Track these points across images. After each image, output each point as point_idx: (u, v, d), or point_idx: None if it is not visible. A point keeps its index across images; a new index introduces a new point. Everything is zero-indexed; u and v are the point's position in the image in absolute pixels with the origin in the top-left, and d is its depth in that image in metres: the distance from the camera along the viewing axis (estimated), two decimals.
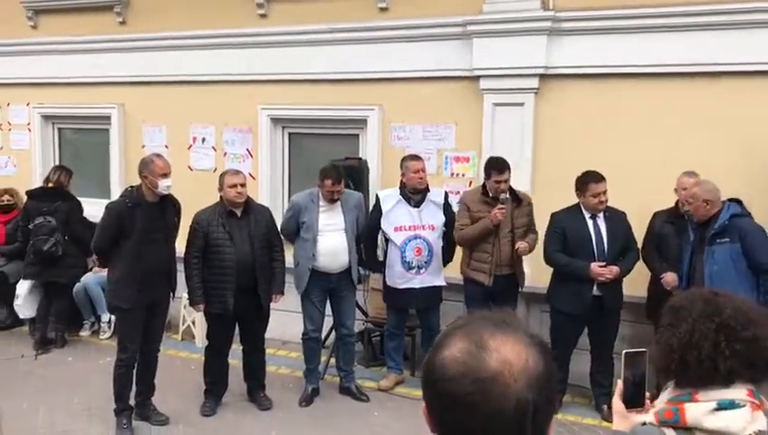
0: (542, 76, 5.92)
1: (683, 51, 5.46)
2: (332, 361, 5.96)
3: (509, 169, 5.31)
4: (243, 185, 5.19)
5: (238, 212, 5.19)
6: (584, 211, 5.15)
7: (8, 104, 8.36)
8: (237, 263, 5.09)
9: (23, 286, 6.93)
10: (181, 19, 7.19)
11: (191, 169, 7.28)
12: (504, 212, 5.22)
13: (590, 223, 5.15)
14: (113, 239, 4.84)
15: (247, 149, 7.14)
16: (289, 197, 6.70)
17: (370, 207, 6.09)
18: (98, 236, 4.96)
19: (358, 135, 6.78)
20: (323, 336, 6.04)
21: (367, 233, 5.68)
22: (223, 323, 5.28)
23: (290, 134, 7.13)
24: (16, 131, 8.37)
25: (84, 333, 7.16)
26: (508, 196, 5.28)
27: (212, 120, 7.25)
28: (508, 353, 1.05)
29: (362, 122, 6.65)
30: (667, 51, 5.52)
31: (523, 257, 5.47)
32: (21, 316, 7.02)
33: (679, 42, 5.48)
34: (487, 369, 1.03)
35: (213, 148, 7.30)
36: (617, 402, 1.80)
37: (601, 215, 5.16)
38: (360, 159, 6.44)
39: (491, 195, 5.33)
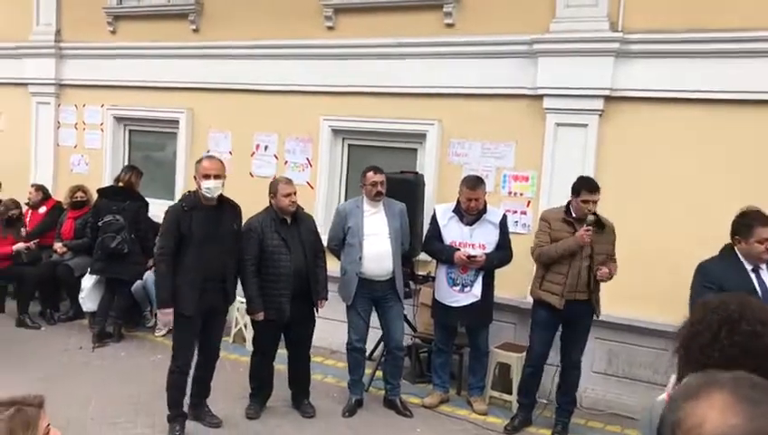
0: (607, 98, 5.80)
1: (762, 77, 5.25)
2: (379, 373, 5.94)
3: (599, 190, 5.11)
4: (295, 193, 5.25)
5: (288, 219, 5.24)
6: (744, 262, 4.22)
7: (84, 105, 8.72)
8: (294, 270, 5.11)
9: (88, 281, 7.18)
10: (251, 29, 7.37)
11: (252, 176, 7.41)
12: (590, 234, 4.98)
13: (753, 277, 4.20)
14: (175, 243, 4.82)
15: (307, 159, 7.24)
16: None
17: (425, 223, 6.08)
18: (160, 240, 4.99)
19: (416, 149, 6.78)
20: (372, 348, 6.04)
21: (426, 244, 5.69)
22: (271, 328, 5.27)
23: (349, 145, 7.19)
24: (90, 131, 8.71)
25: (142, 328, 7.36)
26: (594, 218, 5.06)
27: (275, 129, 7.38)
28: None
29: (421, 137, 6.64)
30: (745, 77, 5.30)
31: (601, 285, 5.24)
32: (84, 309, 7.26)
33: (758, 68, 5.27)
34: None
35: (275, 156, 7.42)
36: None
37: (765, 266, 4.23)
38: (417, 173, 6.43)
39: (574, 215, 5.13)
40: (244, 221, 5.22)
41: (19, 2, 9.00)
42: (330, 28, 7.01)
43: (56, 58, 8.76)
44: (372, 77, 6.74)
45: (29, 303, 7.48)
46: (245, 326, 6.91)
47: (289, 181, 5.33)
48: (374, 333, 5.81)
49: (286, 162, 7.36)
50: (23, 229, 7.74)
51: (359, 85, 6.83)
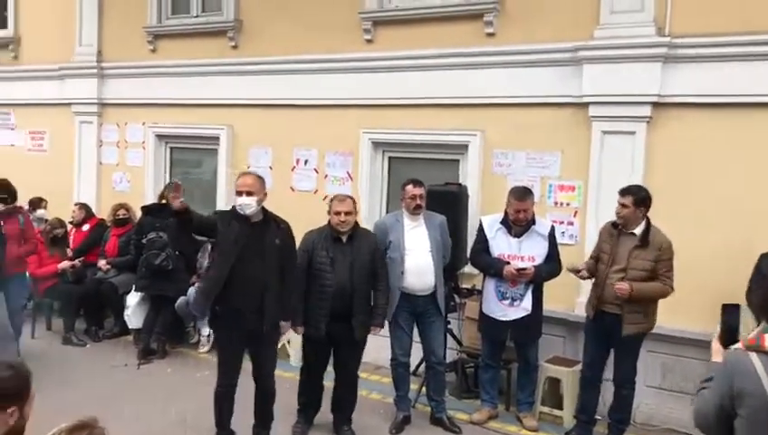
0: (655, 104, 5.66)
1: None
2: (425, 389, 5.84)
3: (629, 194, 4.95)
4: (348, 213, 5.03)
5: (343, 238, 5.08)
6: None
7: (125, 123, 8.83)
8: (335, 289, 4.96)
9: (133, 298, 7.23)
10: (289, 44, 7.40)
11: (293, 190, 7.40)
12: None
13: None
14: (214, 227, 4.71)
15: (347, 172, 7.20)
16: None
17: (469, 235, 6.00)
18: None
19: (458, 160, 6.70)
20: (416, 364, 5.95)
21: (473, 258, 5.59)
22: (318, 346, 5.17)
23: (390, 158, 7.14)
24: (132, 149, 8.81)
25: (186, 344, 7.38)
26: (620, 221, 4.98)
27: (315, 143, 7.37)
28: None
29: (463, 148, 6.57)
30: None
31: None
32: (129, 326, 7.31)
33: None
34: None
35: (315, 170, 7.40)
36: (715, 343, 2.66)
37: None
38: (460, 184, 6.35)
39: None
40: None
41: (62, 24, 9.17)
42: (368, 41, 6.99)
43: (98, 78, 8.89)
44: (412, 89, 6.70)
45: (75, 320, 7.55)
46: (288, 342, 6.88)
47: (343, 200, 5.14)
48: (419, 348, 5.71)
49: (326, 176, 7.34)
50: (67, 248, 7.84)
51: (399, 97, 6.78)
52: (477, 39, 6.43)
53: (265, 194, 4.84)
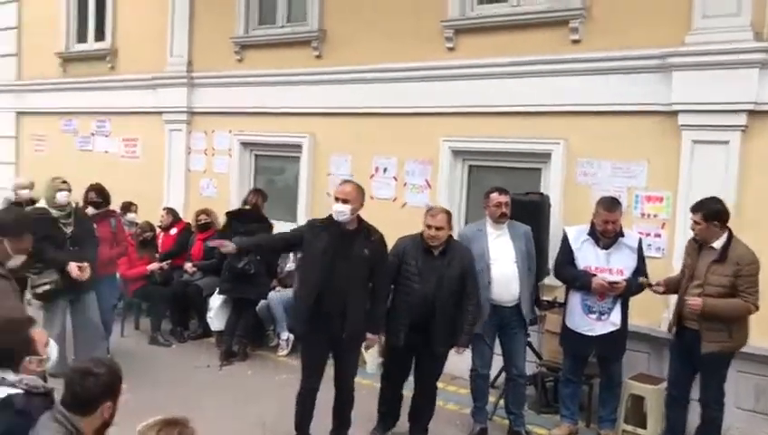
0: (750, 112, 5.39)
1: None
2: (502, 401, 5.74)
3: (699, 210, 4.76)
4: (439, 229, 4.90)
5: (435, 251, 4.97)
6: None
7: (213, 131, 9.12)
8: (419, 301, 4.88)
9: (216, 300, 7.44)
10: (371, 53, 7.46)
11: (372, 198, 7.43)
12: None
13: None
14: (288, 243, 5.01)
15: (426, 180, 7.19)
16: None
17: (550, 246, 5.87)
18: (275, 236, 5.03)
19: (540, 169, 6.57)
20: (495, 375, 5.86)
21: (558, 269, 5.44)
22: (399, 355, 5.13)
23: (470, 166, 7.08)
24: (218, 156, 9.09)
25: (266, 348, 7.52)
26: (697, 238, 4.82)
27: (394, 151, 7.39)
28: None
29: (546, 157, 6.44)
30: None
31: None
32: (212, 328, 7.52)
33: None
34: None
35: (394, 178, 7.43)
36: None
37: None
38: (542, 194, 6.22)
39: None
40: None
41: (155, 36, 9.56)
42: (450, 49, 6.97)
43: (188, 87, 9.22)
44: (494, 97, 6.63)
45: (161, 321, 7.83)
46: (365, 348, 6.89)
47: (437, 213, 4.99)
48: (497, 359, 5.62)
49: (405, 184, 7.35)
50: (156, 251, 8.14)
51: (480, 105, 6.73)
52: (562, 46, 6.31)
53: (362, 203, 4.86)
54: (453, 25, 6.93)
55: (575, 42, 6.25)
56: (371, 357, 6.78)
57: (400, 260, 4.97)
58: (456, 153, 7.03)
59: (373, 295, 4.92)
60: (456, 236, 5.48)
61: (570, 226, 5.56)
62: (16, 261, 3.66)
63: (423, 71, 7.10)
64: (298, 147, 8.19)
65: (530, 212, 5.80)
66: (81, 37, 10.87)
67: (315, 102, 7.95)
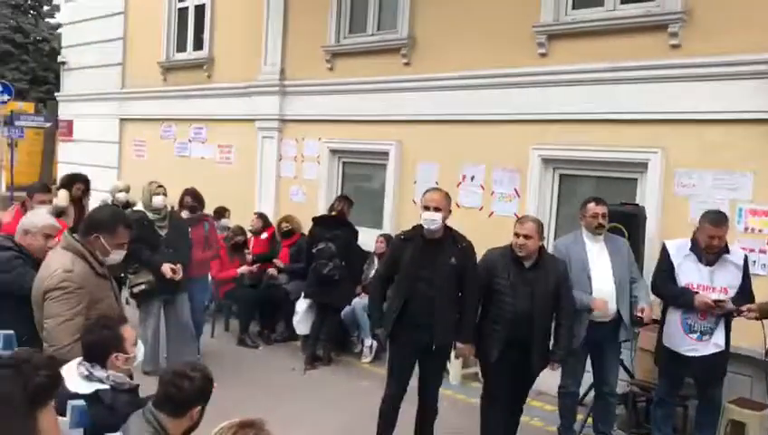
0: None
1: None
2: (590, 420, 5.52)
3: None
4: (527, 237, 4.67)
5: (527, 263, 4.75)
6: None
7: (303, 138, 9.27)
8: (514, 317, 4.64)
9: (301, 304, 7.54)
10: (461, 60, 7.39)
11: (458, 206, 7.34)
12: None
13: None
14: (387, 269, 4.92)
15: (515, 189, 7.04)
16: (554, 240, 6.46)
17: (645, 260, 5.61)
18: (379, 265, 5.01)
19: (635, 180, 6.30)
20: (583, 392, 5.64)
21: (657, 285, 5.12)
22: (494, 372, 4.87)
23: (561, 175, 6.88)
24: (308, 163, 9.23)
25: (350, 354, 7.56)
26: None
27: (482, 159, 7.28)
28: None
29: (642, 166, 6.17)
30: None
31: None
32: (297, 332, 7.62)
33: None
34: None
35: (481, 186, 7.31)
36: None
37: None
38: (638, 205, 5.96)
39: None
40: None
41: (250, 46, 9.83)
42: (542, 55, 6.81)
43: (280, 95, 9.42)
44: (587, 104, 6.42)
45: (249, 323, 8.00)
46: (455, 357, 6.77)
47: (525, 221, 4.82)
48: (586, 377, 5.41)
49: (493, 193, 7.22)
50: (248, 255, 8.34)
51: (572, 113, 6.53)
52: (660, 51, 6.04)
53: (450, 211, 4.81)
54: (546, 30, 6.77)
55: (674, 46, 5.96)
56: (455, 369, 6.68)
57: (490, 274, 4.77)
58: (547, 162, 6.85)
59: (462, 304, 4.81)
60: (549, 249, 5.32)
61: (669, 239, 5.27)
62: (116, 256, 3.71)
63: (513, 77, 6.96)
64: (385, 154, 8.21)
65: (624, 224, 5.57)
66: (181, 47, 11.32)
67: (403, 110, 7.95)
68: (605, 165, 6.46)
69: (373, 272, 7.49)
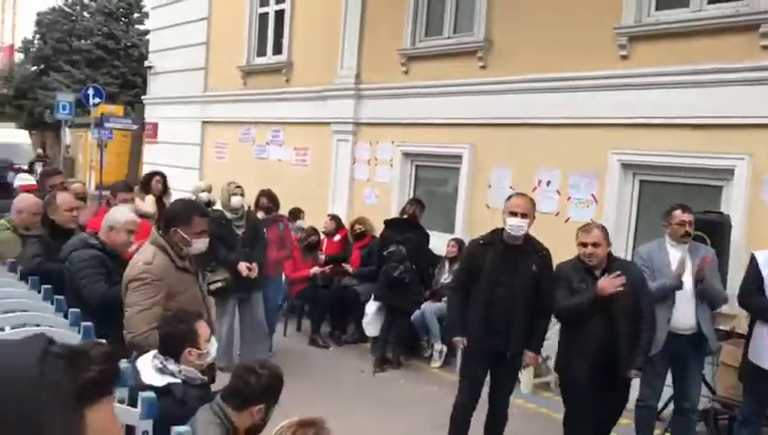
0: None
1: None
2: None
3: None
4: (595, 245, 4.45)
5: (597, 272, 4.51)
6: None
7: (377, 141, 9.31)
8: (597, 332, 4.42)
9: (371, 307, 7.56)
10: (538, 62, 7.26)
11: None
12: None
13: None
14: (467, 276, 4.77)
15: (592, 195, 6.85)
16: (633, 249, 6.25)
17: (729, 270, 5.35)
18: (454, 273, 4.91)
19: (721, 187, 6.03)
20: (661, 407, 5.42)
21: (745, 297, 4.83)
22: (578, 391, 4.56)
23: (641, 181, 6.65)
24: (381, 166, 9.27)
25: (419, 358, 7.53)
26: None
27: (558, 163, 7.13)
28: None
29: (728, 173, 5.89)
30: None
31: None
32: (367, 334, 7.65)
33: None
34: None
35: (557, 191, 7.16)
36: None
37: None
38: (722, 213, 5.70)
39: None
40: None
41: (327, 50, 9.97)
42: (623, 57, 6.61)
43: (355, 99, 9.51)
44: (671, 108, 6.18)
45: (321, 323, 8.09)
46: (523, 367, 6.65)
47: (590, 229, 4.58)
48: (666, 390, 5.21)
49: (569, 198, 7.05)
50: (320, 255, 8.44)
51: (655, 117, 6.31)
52: (749, 53, 5.76)
53: (534, 217, 4.67)
54: (627, 32, 6.57)
55: (765, 48, 5.67)
56: (526, 377, 6.55)
57: (569, 286, 4.54)
58: (627, 167, 6.64)
59: (536, 313, 4.68)
60: (630, 257, 5.15)
61: (756, 250, 5.01)
62: (199, 245, 3.83)
63: (592, 80, 6.79)
64: (458, 158, 8.14)
65: (708, 233, 5.34)
66: (261, 51, 11.59)
67: (478, 113, 7.87)
68: (689, 171, 6.21)
69: (444, 276, 7.47)
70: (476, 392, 4.81)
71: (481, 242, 4.77)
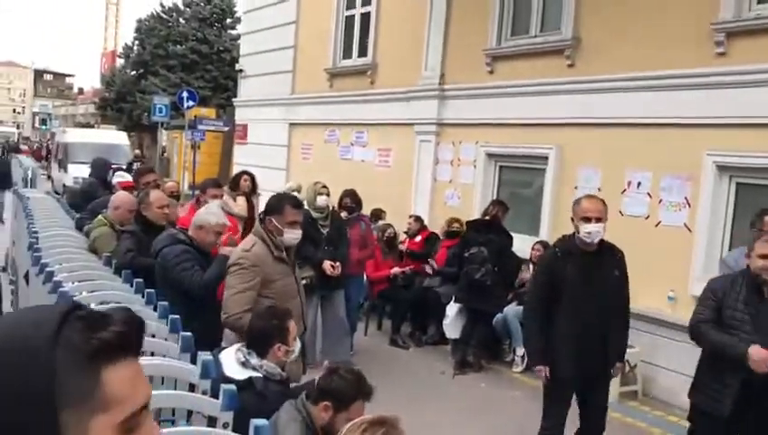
0: None
1: None
2: None
3: None
4: None
5: (766, 290, 3.84)
6: None
7: (460, 142, 9.25)
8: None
9: (452, 308, 7.51)
10: (629, 60, 7.02)
11: (621, 215, 6.98)
12: None
13: None
14: (547, 294, 4.29)
15: (685, 198, 6.56)
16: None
17: None
18: (530, 289, 4.56)
19: None
20: None
21: None
22: (713, 427, 3.98)
23: (738, 184, 6.32)
24: (464, 167, 9.20)
25: (501, 362, 7.42)
26: None
27: (650, 165, 6.86)
28: None
29: None
30: None
31: None
32: (447, 335, 7.60)
33: None
34: None
35: (648, 194, 6.89)
36: None
37: None
38: None
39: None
40: None
41: (412, 51, 9.98)
42: (720, 54, 6.29)
43: (438, 99, 9.48)
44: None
45: (401, 323, 8.10)
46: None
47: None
48: None
49: (661, 201, 6.78)
50: (400, 245, 8.45)
51: (754, 116, 5.97)
52: None
53: (606, 220, 4.30)
54: (725, 28, 6.25)
55: None
56: (612, 386, 6.31)
57: (719, 304, 3.92)
58: (723, 169, 6.32)
59: (620, 319, 4.40)
60: (718, 263, 4.86)
61: None
62: (291, 235, 4.12)
63: (686, 78, 6.50)
64: (544, 158, 7.98)
65: None
66: (347, 54, 11.73)
67: (564, 113, 7.68)
68: None
69: (528, 278, 7.32)
70: (565, 414, 4.41)
71: (558, 253, 4.35)
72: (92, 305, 3.67)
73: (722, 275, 4.31)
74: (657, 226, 6.77)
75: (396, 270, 8.15)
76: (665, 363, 6.54)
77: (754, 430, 3.90)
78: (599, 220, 4.15)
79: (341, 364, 2.91)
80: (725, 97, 6.20)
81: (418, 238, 8.71)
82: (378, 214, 9.10)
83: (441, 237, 8.53)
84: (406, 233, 8.86)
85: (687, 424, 4.83)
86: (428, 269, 8.25)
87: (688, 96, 6.49)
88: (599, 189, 7.17)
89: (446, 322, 7.51)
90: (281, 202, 4.20)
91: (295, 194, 8.79)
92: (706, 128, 6.35)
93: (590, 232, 4.12)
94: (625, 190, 7.08)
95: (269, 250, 4.03)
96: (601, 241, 4.24)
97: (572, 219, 4.27)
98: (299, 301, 4.26)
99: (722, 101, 6.21)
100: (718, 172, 6.32)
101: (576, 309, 4.18)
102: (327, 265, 6.34)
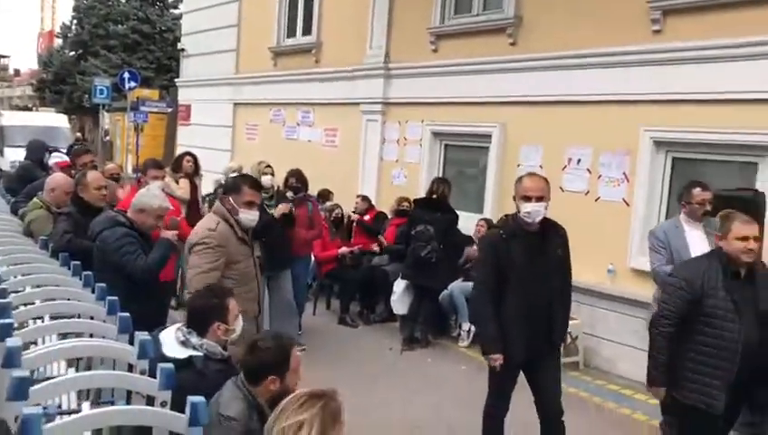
0: None
1: None
2: None
3: None
4: (757, 239, 3.72)
5: (742, 272, 3.74)
6: None
7: (406, 121, 9.27)
8: (741, 346, 3.61)
9: (399, 285, 7.57)
10: (568, 39, 7.13)
11: (562, 191, 7.12)
12: None
13: None
14: (495, 277, 4.08)
15: (624, 173, 6.73)
16: None
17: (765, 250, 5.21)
18: (477, 273, 4.42)
19: (756, 164, 5.87)
20: None
21: None
22: (709, 423, 3.80)
23: (674, 159, 6.51)
24: (410, 146, 9.23)
25: (447, 337, 7.53)
26: None
27: (589, 141, 7.01)
28: None
29: (764, 150, 5.74)
30: None
31: None
32: (395, 311, 7.65)
33: None
34: None
35: (587, 170, 7.05)
36: None
37: None
38: (756, 191, 5.54)
39: None
40: None
41: (356, 30, 9.93)
42: (656, 32, 6.45)
43: (384, 78, 9.46)
44: (704, 83, 6.02)
45: (350, 303, 8.13)
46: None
47: (749, 221, 3.82)
48: None
49: (600, 176, 6.94)
50: (352, 214, 8.49)
51: (688, 93, 6.15)
52: None
53: (549, 198, 4.13)
54: (661, 6, 6.40)
55: None
56: None
57: (697, 294, 3.71)
58: (659, 144, 6.49)
59: (563, 299, 4.24)
60: (648, 235, 5.02)
61: None
62: (247, 215, 4.14)
63: (623, 56, 6.64)
64: (488, 137, 8.06)
65: (741, 210, 5.16)
66: (291, 32, 11.60)
67: (507, 91, 7.77)
68: (722, 148, 6.05)
69: (473, 255, 7.42)
70: (511, 390, 4.26)
71: (503, 235, 4.13)
72: (28, 289, 3.59)
73: (684, 262, 4.20)
74: (596, 201, 6.94)
75: (344, 250, 8.16)
76: (605, 334, 6.74)
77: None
78: (540, 199, 4.02)
79: (254, 338, 2.87)
80: (662, 74, 6.36)
81: (367, 217, 8.73)
82: (325, 194, 9.07)
83: (390, 216, 8.56)
84: (354, 212, 8.86)
85: (627, 392, 4.98)
86: (376, 247, 8.29)
87: (627, 73, 6.64)
88: (540, 167, 7.29)
89: (393, 298, 7.56)
90: (238, 182, 4.23)
91: (235, 175, 8.74)
92: (644, 104, 6.52)
93: (530, 211, 4.00)
94: (565, 167, 7.22)
95: (233, 230, 4.07)
96: (545, 219, 4.11)
97: (514, 198, 4.16)
98: (256, 283, 4.32)
99: (658, 77, 6.38)
100: (655, 147, 6.50)
101: (524, 291, 4.04)
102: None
